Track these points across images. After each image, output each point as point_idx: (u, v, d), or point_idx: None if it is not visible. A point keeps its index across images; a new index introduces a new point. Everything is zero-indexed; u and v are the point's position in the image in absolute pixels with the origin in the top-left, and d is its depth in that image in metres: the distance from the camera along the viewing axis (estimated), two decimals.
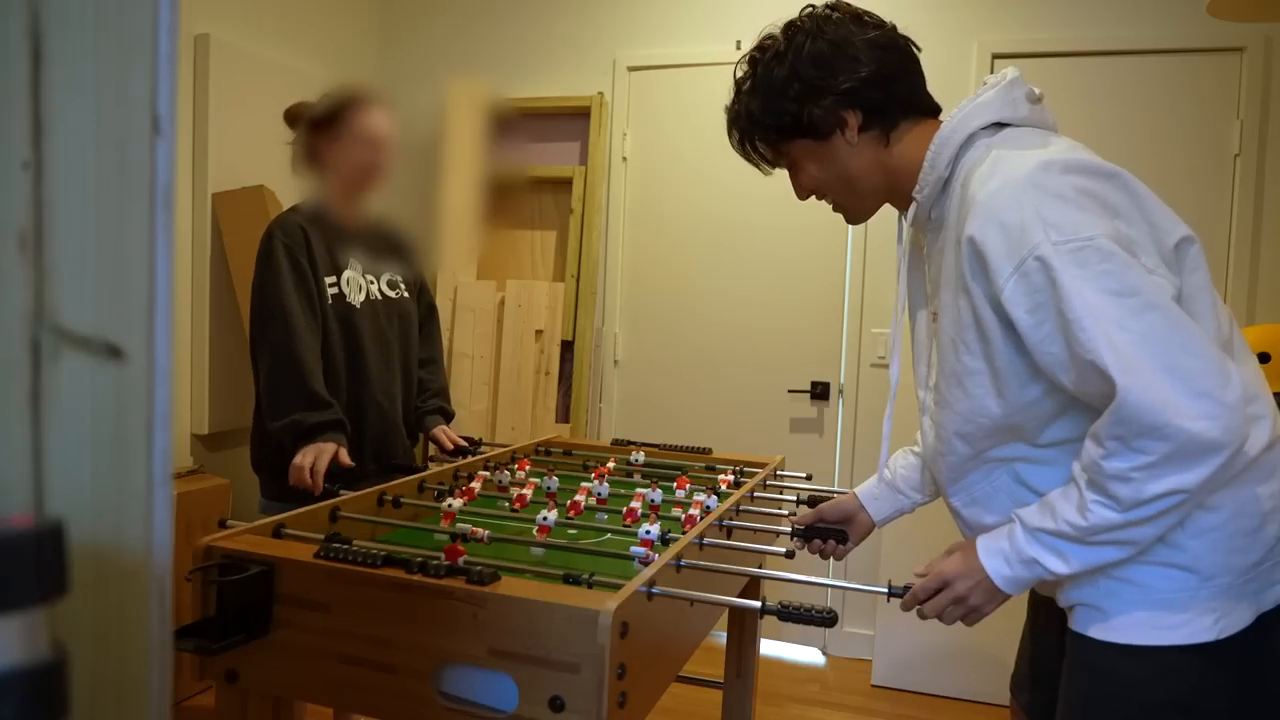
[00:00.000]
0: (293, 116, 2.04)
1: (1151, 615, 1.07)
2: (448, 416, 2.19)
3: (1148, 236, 1.05)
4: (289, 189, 3.11)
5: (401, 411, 2.07)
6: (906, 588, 1.21)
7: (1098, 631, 1.10)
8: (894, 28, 1.25)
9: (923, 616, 1.19)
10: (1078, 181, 1.04)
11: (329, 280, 1.95)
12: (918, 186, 1.22)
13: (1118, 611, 1.08)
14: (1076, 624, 1.13)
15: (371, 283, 2.04)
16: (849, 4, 1.27)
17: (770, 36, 1.28)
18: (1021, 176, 1.04)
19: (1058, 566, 1.06)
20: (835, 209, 1.36)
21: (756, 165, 1.35)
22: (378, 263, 2.08)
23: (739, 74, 1.30)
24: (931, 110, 1.27)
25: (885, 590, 1.23)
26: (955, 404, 1.18)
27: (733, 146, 1.34)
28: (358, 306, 1.98)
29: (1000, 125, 1.17)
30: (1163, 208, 1.08)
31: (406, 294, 2.13)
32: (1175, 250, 1.06)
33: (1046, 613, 1.33)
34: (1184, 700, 1.06)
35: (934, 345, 1.26)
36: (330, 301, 1.93)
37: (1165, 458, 0.96)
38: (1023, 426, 1.14)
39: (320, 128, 1.98)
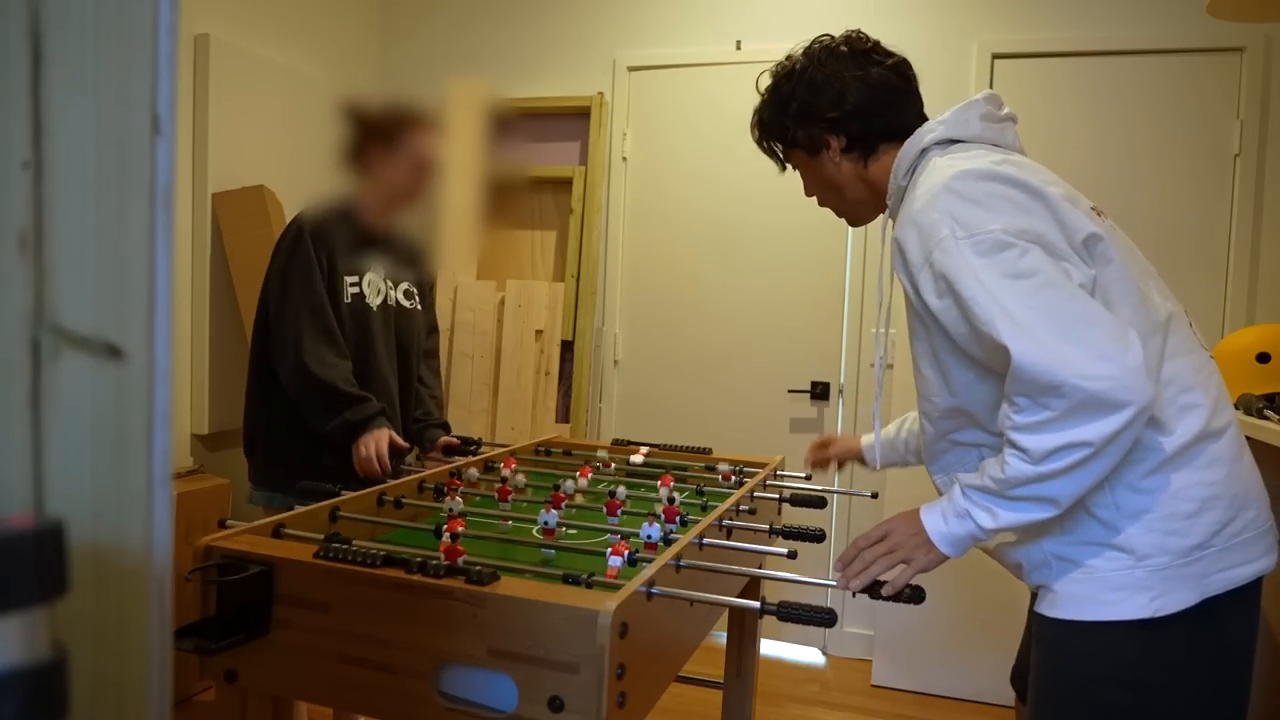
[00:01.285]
0: (351, 112, 2.05)
1: (1091, 593, 1.14)
2: (448, 430, 2.22)
3: (1058, 233, 1.15)
4: (289, 189, 3.11)
5: (400, 419, 2.09)
6: (874, 584, 1.22)
7: (1048, 609, 1.19)
8: (900, 61, 1.41)
9: (849, 574, 1.24)
10: (990, 187, 1.15)
11: (350, 279, 1.97)
12: (888, 193, 1.37)
13: (1064, 590, 1.17)
14: (1036, 605, 1.23)
15: (391, 289, 2.08)
16: (864, 36, 1.44)
17: (792, 56, 1.44)
18: (940, 183, 1.17)
19: (986, 521, 1.15)
20: (849, 213, 1.49)
21: (772, 158, 1.50)
22: (397, 270, 2.11)
23: (765, 82, 1.45)
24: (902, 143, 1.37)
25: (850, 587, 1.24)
26: (919, 385, 1.32)
27: (754, 142, 1.49)
28: (374, 309, 2.01)
29: (954, 141, 1.29)
30: (1071, 210, 1.17)
31: (419, 305, 2.16)
32: (1084, 245, 1.16)
33: None
34: (1124, 675, 1.13)
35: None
36: (349, 300, 1.96)
37: (1066, 412, 1.04)
38: (973, 413, 1.24)
39: (376, 134, 2.00)
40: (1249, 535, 1.14)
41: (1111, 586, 1.13)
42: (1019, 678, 1.53)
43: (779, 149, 1.45)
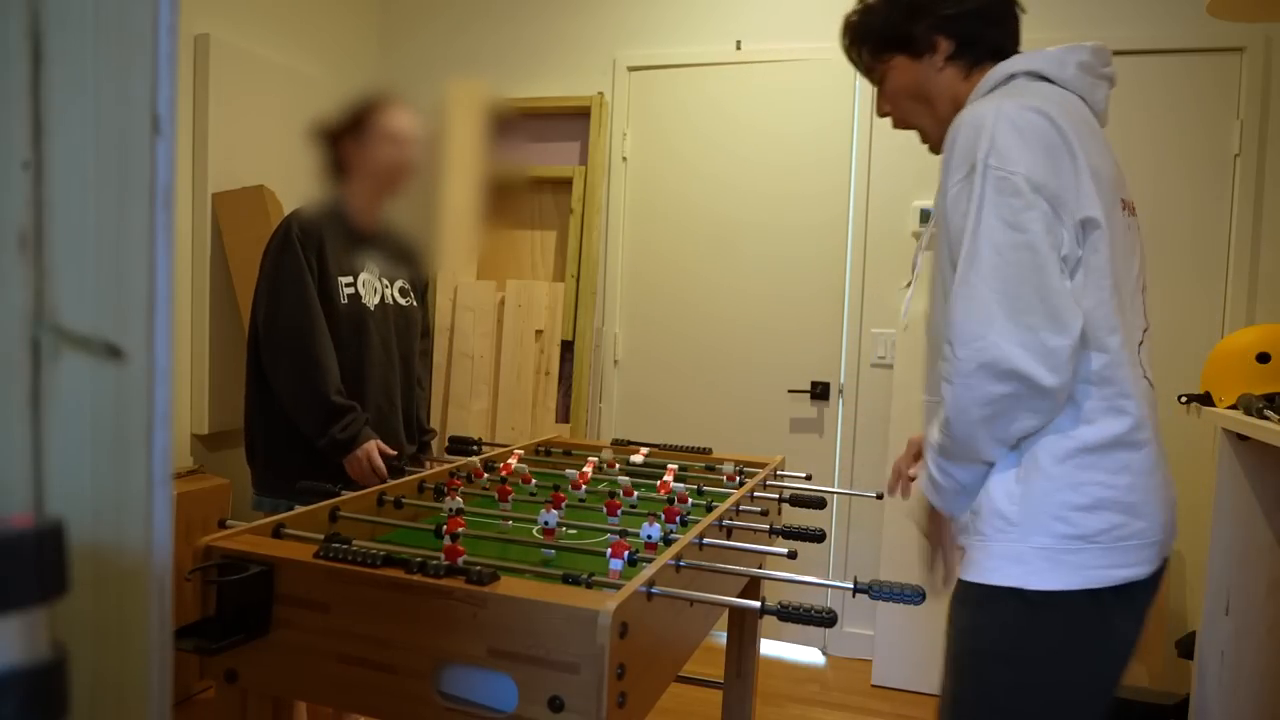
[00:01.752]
0: (316, 131, 2.08)
1: (980, 558, 1.22)
2: (424, 448, 2.23)
3: (1073, 199, 1.17)
4: (289, 189, 3.11)
5: (402, 414, 2.10)
6: (872, 584, 1.22)
7: (962, 572, 1.27)
8: None
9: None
10: (1040, 124, 1.17)
11: (345, 280, 1.97)
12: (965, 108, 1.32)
13: (971, 556, 1.25)
14: None
15: (386, 287, 2.07)
16: None
17: None
18: (1004, 105, 1.19)
19: (923, 476, 1.29)
20: (920, 136, 1.44)
21: (858, 69, 1.46)
22: (392, 268, 2.11)
23: None
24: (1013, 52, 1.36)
25: (851, 586, 1.24)
26: (939, 311, 1.31)
27: (845, 51, 1.46)
28: (371, 309, 2.00)
29: (1043, 79, 1.28)
30: (1090, 186, 1.19)
31: (415, 302, 2.15)
32: (1081, 225, 1.18)
33: None
34: (1008, 650, 1.21)
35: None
36: (345, 301, 1.96)
37: (980, 367, 1.13)
38: None
39: (344, 135, 2.02)
40: (1136, 543, 1.18)
41: (994, 555, 1.20)
42: None
43: (872, 55, 1.40)
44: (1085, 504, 1.17)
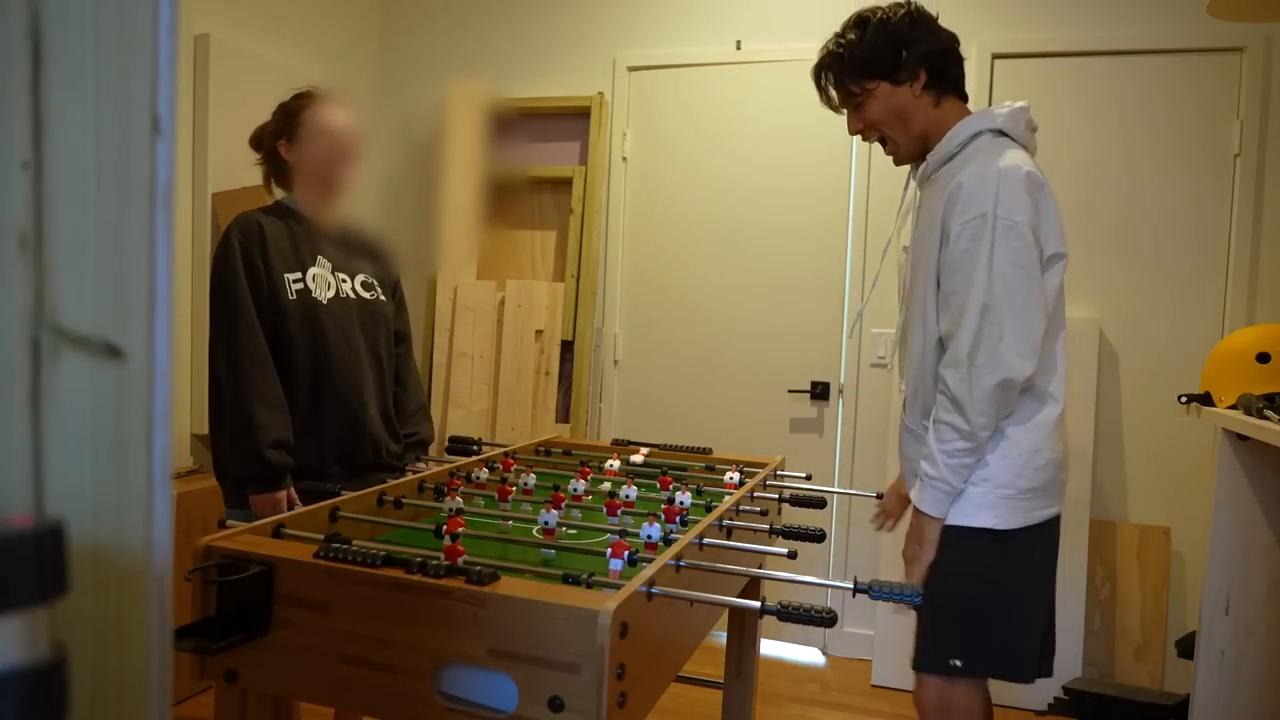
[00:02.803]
0: (255, 140, 2.04)
1: (961, 507, 1.62)
2: (424, 447, 2.13)
3: (1044, 238, 1.61)
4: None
5: (378, 411, 1.99)
6: (872, 584, 1.22)
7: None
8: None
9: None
10: (1029, 184, 1.57)
11: (293, 276, 1.88)
12: (935, 150, 1.69)
13: (955, 508, 1.63)
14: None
15: (344, 281, 1.99)
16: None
17: (873, 8, 1.72)
18: (998, 167, 1.57)
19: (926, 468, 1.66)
20: (886, 147, 1.77)
21: (825, 99, 1.79)
22: (350, 262, 2.03)
23: (842, 27, 1.74)
24: (964, 98, 1.73)
25: (851, 586, 1.24)
26: (916, 317, 1.70)
27: (817, 80, 1.78)
28: (324, 303, 1.91)
29: (1001, 134, 1.65)
30: (1056, 227, 1.64)
31: (382, 296, 2.07)
32: (1049, 258, 1.64)
33: None
34: (984, 574, 1.62)
35: (906, 288, 1.78)
36: (293, 297, 1.87)
37: (1000, 380, 1.56)
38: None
39: (278, 137, 1.97)
40: (1057, 489, 1.68)
41: (969, 504, 1.61)
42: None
43: (854, 81, 1.70)
44: (1040, 464, 1.62)
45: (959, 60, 1.71)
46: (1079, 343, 2.95)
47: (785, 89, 3.24)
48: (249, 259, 1.84)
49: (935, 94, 1.69)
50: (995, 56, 3.07)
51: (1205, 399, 2.25)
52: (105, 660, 0.48)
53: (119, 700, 0.49)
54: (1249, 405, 1.94)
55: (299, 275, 1.90)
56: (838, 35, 1.74)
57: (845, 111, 1.77)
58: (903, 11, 1.68)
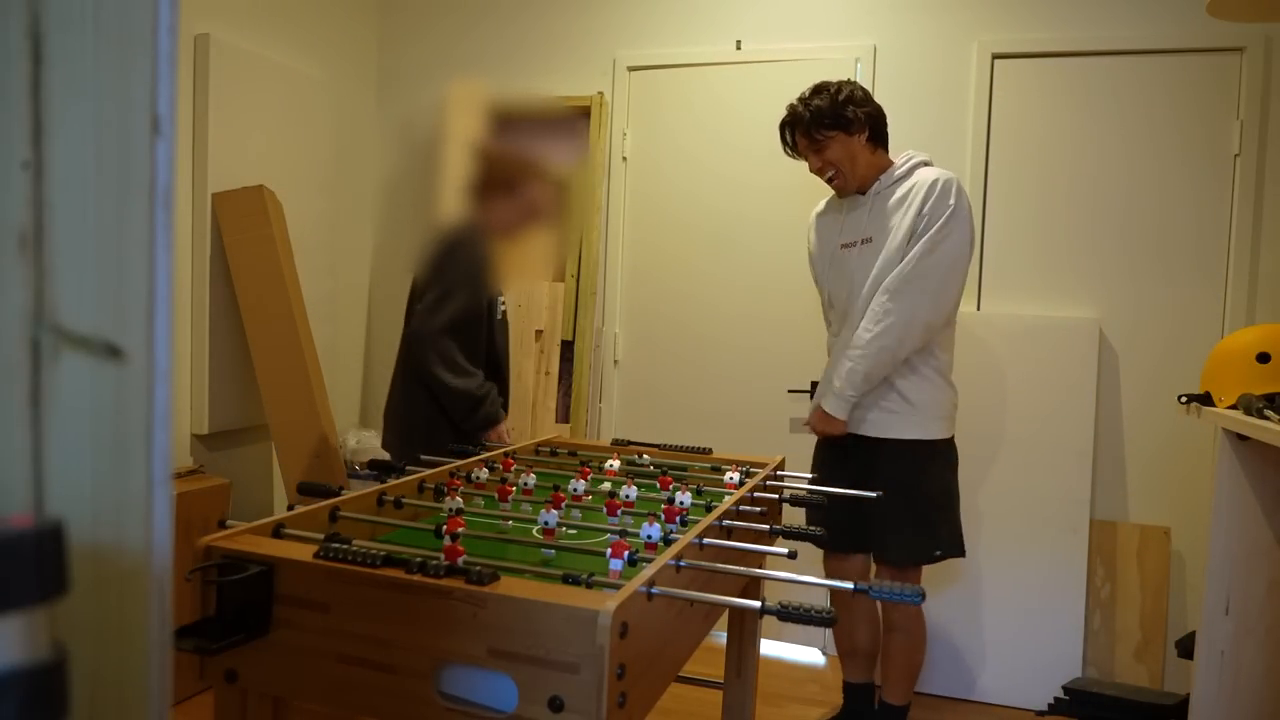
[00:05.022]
0: (482, 154, 2.46)
1: (905, 427, 2.36)
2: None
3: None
4: (289, 189, 3.11)
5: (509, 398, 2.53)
6: (872, 584, 1.22)
7: (890, 434, 2.38)
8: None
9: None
10: (962, 189, 2.33)
11: (500, 299, 2.49)
12: (885, 176, 2.38)
13: (892, 425, 2.37)
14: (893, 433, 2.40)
15: (503, 305, 2.54)
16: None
17: (828, 82, 2.37)
18: (947, 176, 2.30)
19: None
20: (833, 181, 2.40)
21: (789, 147, 2.43)
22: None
23: (809, 92, 2.36)
24: (887, 149, 2.44)
25: (851, 586, 1.24)
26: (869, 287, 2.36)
27: (785, 134, 2.41)
28: (507, 324, 2.52)
29: (928, 164, 2.39)
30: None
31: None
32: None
33: None
34: (937, 461, 2.38)
35: (858, 267, 2.39)
36: (499, 317, 2.47)
37: (940, 320, 2.32)
38: None
39: (498, 179, 2.39)
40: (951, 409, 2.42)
41: (914, 425, 2.35)
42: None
43: (818, 131, 2.32)
44: (953, 395, 2.40)
45: (886, 122, 2.40)
46: (1079, 343, 2.95)
47: (785, 89, 3.23)
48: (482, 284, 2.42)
49: (873, 144, 2.36)
50: (995, 56, 3.07)
51: (1205, 399, 2.24)
52: (105, 660, 0.48)
53: (119, 700, 0.49)
54: (1249, 405, 1.94)
55: (501, 298, 2.52)
56: (804, 99, 2.35)
57: (802, 157, 2.40)
58: (850, 87, 2.34)
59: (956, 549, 2.41)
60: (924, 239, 2.23)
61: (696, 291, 3.41)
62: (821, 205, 2.56)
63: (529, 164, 2.45)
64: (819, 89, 2.33)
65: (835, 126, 2.29)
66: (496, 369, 2.45)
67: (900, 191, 2.33)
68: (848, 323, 2.39)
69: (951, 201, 2.23)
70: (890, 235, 2.30)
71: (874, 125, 2.34)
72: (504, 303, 2.51)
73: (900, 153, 2.40)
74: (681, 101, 3.40)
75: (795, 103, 2.36)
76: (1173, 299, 2.95)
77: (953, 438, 2.41)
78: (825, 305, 2.56)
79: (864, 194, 2.39)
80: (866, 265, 2.34)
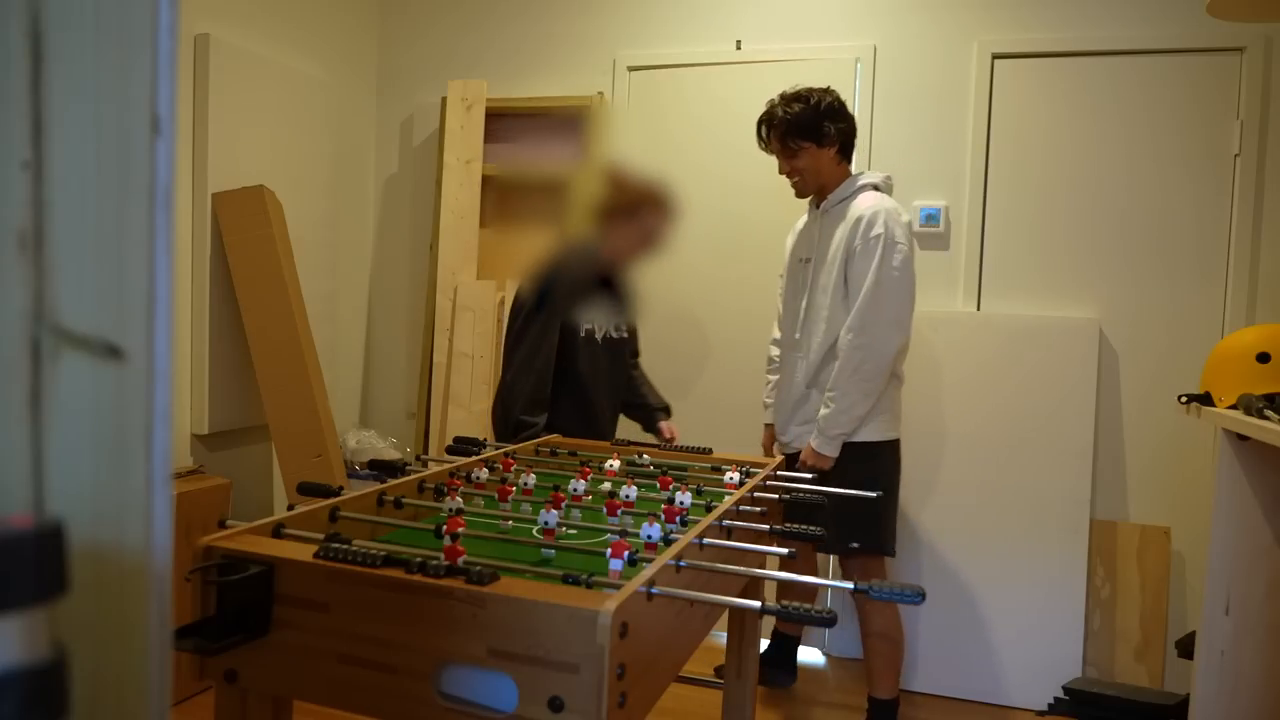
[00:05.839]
0: (613, 179, 2.63)
1: (861, 430, 2.47)
2: (668, 413, 2.78)
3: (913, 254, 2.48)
4: (289, 189, 3.11)
5: (607, 418, 2.59)
6: (872, 584, 1.22)
7: (851, 438, 2.49)
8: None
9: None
10: (903, 217, 2.43)
11: (586, 317, 2.52)
12: (835, 193, 2.51)
13: (846, 432, 2.47)
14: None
15: (610, 322, 2.57)
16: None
17: (809, 89, 2.49)
18: (886, 207, 2.42)
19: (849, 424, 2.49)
20: (795, 186, 2.56)
21: (765, 147, 2.57)
22: (614, 304, 2.59)
23: (787, 98, 2.50)
24: (851, 162, 2.57)
25: (851, 586, 1.24)
26: (827, 325, 2.50)
27: (760, 130, 2.55)
28: (600, 341, 2.53)
29: (877, 188, 2.49)
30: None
31: (625, 335, 2.65)
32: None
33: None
34: (883, 461, 2.52)
35: (808, 286, 2.56)
36: (583, 335, 2.49)
37: (898, 348, 2.45)
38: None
39: (622, 204, 2.49)
40: (896, 418, 2.55)
41: (866, 431, 2.46)
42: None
43: (792, 138, 2.46)
44: (894, 405, 2.53)
45: (855, 136, 2.53)
46: (1079, 343, 2.95)
47: (785, 89, 3.24)
48: (548, 307, 2.46)
49: (840, 158, 2.50)
50: (995, 56, 3.07)
51: (1205, 399, 2.25)
52: (105, 660, 0.48)
53: (119, 700, 0.49)
54: (1249, 405, 1.94)
55: (590, 317, 2.52)
56: (784, 103, 2.47)
57: (773, 155, 2.55)
58: (830, 99, 2.45)
59: (875, 544, 2.49)
60: (869, 273, 2.36)
61: (696, 291, 3.41)
62: (801, 219, 2.73)
63: (650, 191, 2.50)
64: (799, 96, 2.45)
65: (809, 138, 2.44)
66: (581, 389, 2.49)
67: (842, 216, 2.47)
68: (785, 336, 2.71)
69: (878, 230, 2.36)
70: (826, 262, 2.49)
71: (844, 141, 2.47)
72: (592, 321, 2.52)
73: (858, 168, 2.61)
74: (682, 101, 3.40)
75: (775, 104, 2.49)
76: (1173, 299, 2.95)
77: (895, 441, 2.54)
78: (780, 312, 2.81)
79: (817, 209, 2.57)
80: (806, 282, 2.56)
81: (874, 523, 2.47)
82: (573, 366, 2.48)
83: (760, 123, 2.52)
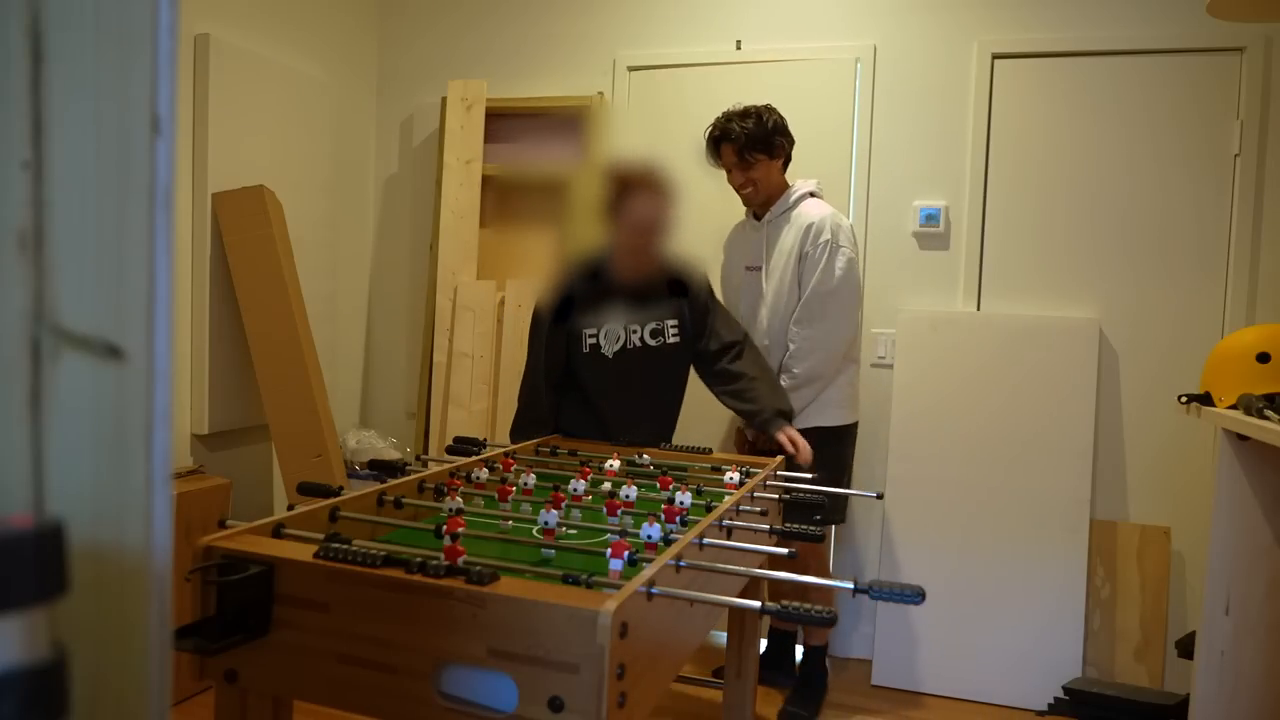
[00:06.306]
0: (603, 176, 2.46)
1: (822, 417, 2.68)
2: (789, 418, 2.47)
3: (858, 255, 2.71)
4: (289, 189, 3.11)
5: (623, 429, 2.39)
6: (872, 584, 1.22)
7: (816, 423, 2.67)
8: None
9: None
10: (845, 225, 2.67)
11: (588, 332, 2.40)
12: (777, 205, 2.72)
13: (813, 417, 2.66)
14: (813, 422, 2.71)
15: (634, 332, 2.43)
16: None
17: (757, 107, 2.68)
18: (830, 212, 2.66)
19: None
20: (747, 196, 2.74)
21: (715, 162, 2.75)
22: (644, 311, 2.43)
23: (739, 114, 2.67)
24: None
25: (851, 586, 1.24)
26: (780, 320, 2.70)
27: (711, 143, 2.74)
28: (610, 357, 2.40)
29: (815, 195, 2.73)
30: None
31: (673, 338, 2.47)
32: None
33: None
34: (845, 440, 2.77)
35: (761, 292, 2.73)
36: (586, 350, 2.39)
37: (842, 340, 2.69)
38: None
39: (607, 208, 2.36)
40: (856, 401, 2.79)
41: (829, 416, 2.68)
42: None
43: (750, 151, 2.64)
44: (856, 389, 2.80)
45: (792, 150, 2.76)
46: (1079, 343, 2.95)
47: (785, 89, 3.24)
48: (546, 324, 2.41)
49: (783, 169, 2.73)
50: (995, 56, 3.07)
51: (1205, 399, 2.24)
52: (105, 660, 0.48)
53: (119, 700, 0.49)
54: (1249, 405, 1.94)
55: (594, 331, 2.40)
56: (738, 119, 2.64)
57: (724, 169, 2.71)
58: (776, 116, 2.66)
59: (833, 517, 2.78)
60: (816, 273, 2.58)
61: None
62: (733, 228, 2.91)
63: (632, 174, 2.38)
64: (750, 113, 2.64)
65: (763, 151, 2.63)
66: (588, 404, 2.44)
67: (787, 223, 2.69)
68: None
69: (826, 236, 2.58)
70: (778, 269, 2.68)
71: (788, 154, 2.74)
72: (597, 334, 2.40)
73: (795, 179, 2.74)
74: (681, 101, 3.40)
75: (728, 121, 2.65)
76: (1173, 299, 2.95)
77: (856, 424, 2.81)
78: None
79: (759, 219, 2.75)
80: (759, 290, 2.73)
81: (837, 499, 2.66)
82: (580, 381, 2.44)
83: (714, 139, 2.68)
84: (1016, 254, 3.09)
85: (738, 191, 2.73)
